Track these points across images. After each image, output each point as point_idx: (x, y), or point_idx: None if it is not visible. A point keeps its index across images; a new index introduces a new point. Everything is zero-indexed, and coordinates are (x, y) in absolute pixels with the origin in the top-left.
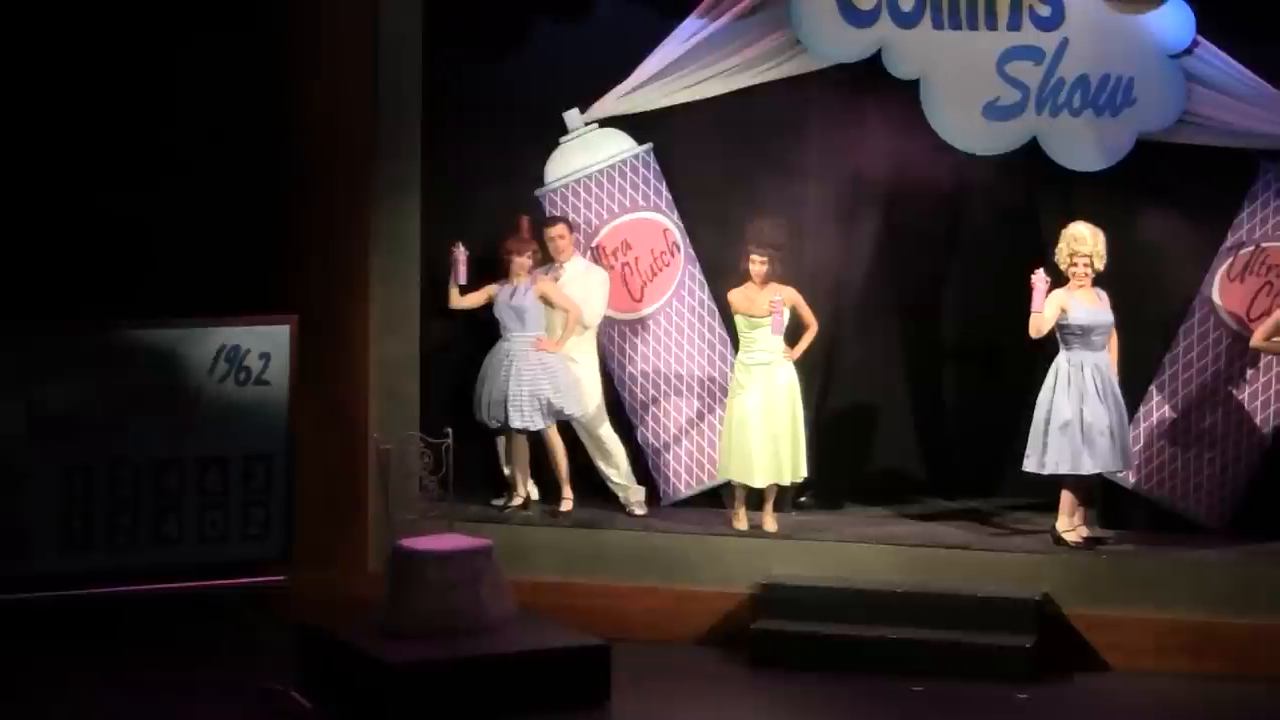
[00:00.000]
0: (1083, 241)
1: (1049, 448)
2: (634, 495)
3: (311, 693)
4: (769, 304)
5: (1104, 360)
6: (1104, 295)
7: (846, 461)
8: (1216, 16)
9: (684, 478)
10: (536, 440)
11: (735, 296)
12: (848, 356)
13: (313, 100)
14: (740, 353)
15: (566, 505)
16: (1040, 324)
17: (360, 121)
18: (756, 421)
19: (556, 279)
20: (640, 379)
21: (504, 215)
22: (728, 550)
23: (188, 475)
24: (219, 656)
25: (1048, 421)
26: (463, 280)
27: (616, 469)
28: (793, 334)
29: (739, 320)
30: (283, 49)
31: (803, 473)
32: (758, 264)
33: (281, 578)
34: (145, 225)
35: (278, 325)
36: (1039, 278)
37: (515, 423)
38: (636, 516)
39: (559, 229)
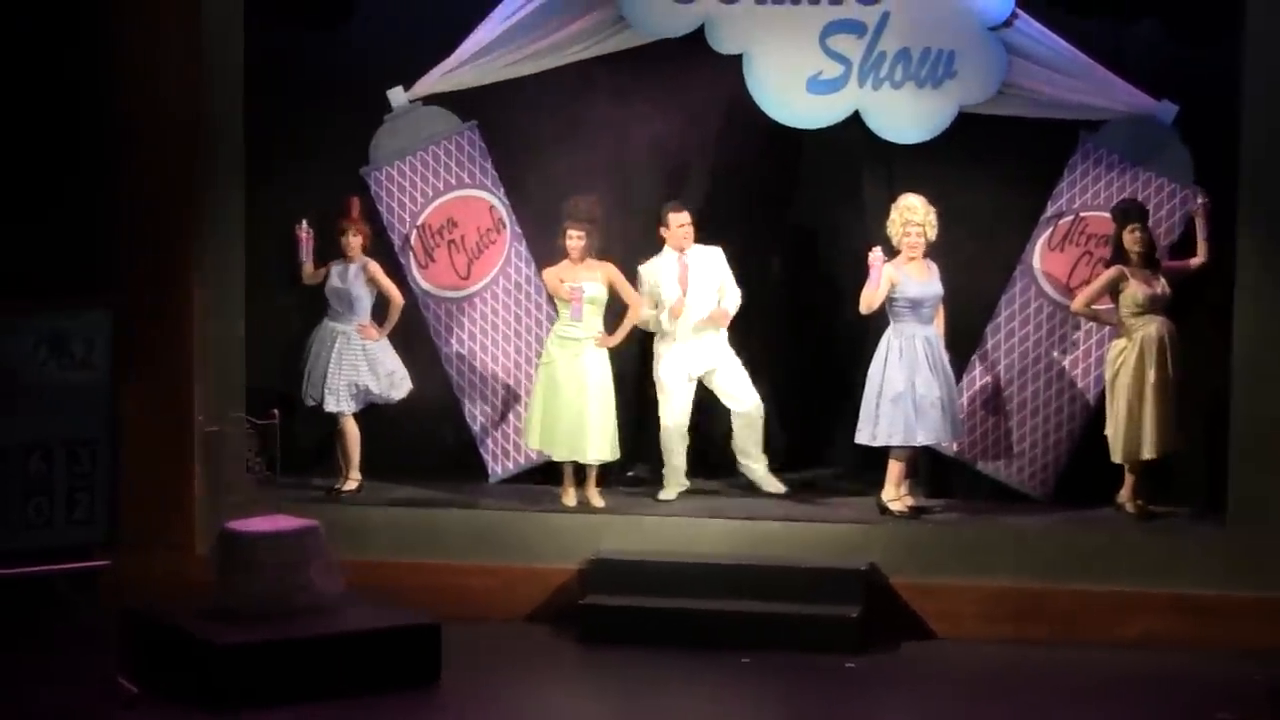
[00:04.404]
0: (915, 211)
1: (881, 419)
2: (764, 473)
3: (139, 677)
4: (568, 290)
5: (933, 332)
6: (934, 267)
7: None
8: None
9: (511, 454)
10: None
11: (548, 275)
12: None
13: (136, 84)
14: (556, 324)
15: (350, 485)
16: (871, 300)
17: (184, 104)
18: (562, 394)
19: (684, 273)
20: (468, 356)
21: (330, 194)
22: (560, 527)
23: (11, 461)
24: (45, 643)
25: (879, 394)
26: (305, 258)
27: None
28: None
29: (555, 297)
30: (106, 31)
31: (614, 454)
32: (575, 239)
33: (106, 562)
34: None
35: (101, 310)
36: (876, 256)
37: (329, 406)
38: (775, 496)
39: (685, 215)
